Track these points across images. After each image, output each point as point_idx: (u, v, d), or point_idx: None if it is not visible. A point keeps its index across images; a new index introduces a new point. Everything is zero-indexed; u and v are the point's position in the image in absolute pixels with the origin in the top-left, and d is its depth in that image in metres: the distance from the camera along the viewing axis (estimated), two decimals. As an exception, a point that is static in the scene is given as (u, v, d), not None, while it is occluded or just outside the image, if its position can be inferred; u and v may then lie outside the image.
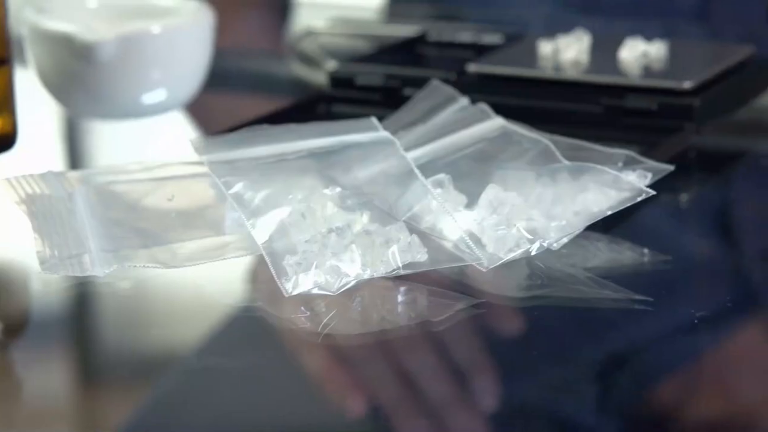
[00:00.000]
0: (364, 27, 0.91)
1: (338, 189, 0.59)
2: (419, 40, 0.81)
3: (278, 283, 0.55)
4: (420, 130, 0.66)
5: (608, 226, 0.61)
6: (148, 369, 0.53)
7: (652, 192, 0.60)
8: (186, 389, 0.52)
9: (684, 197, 0.68)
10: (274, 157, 0.62)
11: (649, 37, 0.75)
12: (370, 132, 0.64)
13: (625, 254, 0.61)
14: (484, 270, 0.57)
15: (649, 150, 0.66)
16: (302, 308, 0.55)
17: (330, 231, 0.57)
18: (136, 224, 0.59)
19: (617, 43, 0.75)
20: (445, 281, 0.58)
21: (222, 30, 0.78)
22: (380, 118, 0.66)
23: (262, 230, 0.57)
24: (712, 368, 0.53)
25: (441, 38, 0.81)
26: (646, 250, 0.61)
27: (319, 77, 0.83)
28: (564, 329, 0.55)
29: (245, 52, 0.93)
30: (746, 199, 0.68)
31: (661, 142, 0.68)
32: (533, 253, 0.58)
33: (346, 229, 0.57)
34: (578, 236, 0.59)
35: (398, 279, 0.57)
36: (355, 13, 0.97)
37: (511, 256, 0.58)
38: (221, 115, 0.82)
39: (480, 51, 0.78)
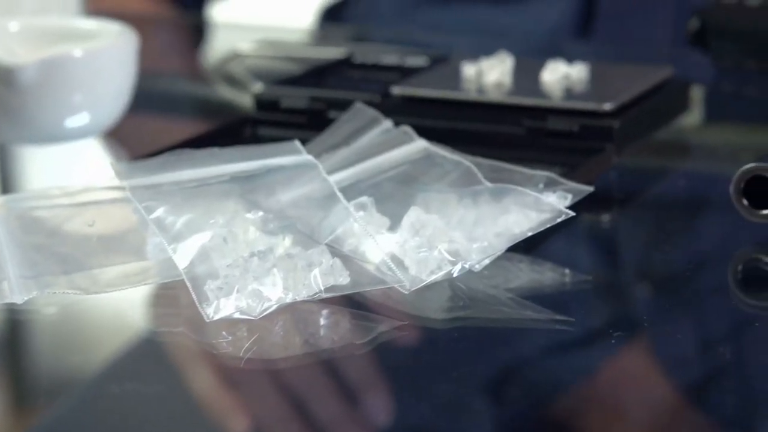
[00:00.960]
0: (291, 49, 0.91)
1: (260, 213, 0.59)
2: (345, 62, 0.82)
3: (199, 308, 0.55)
4: (343, 152, 0.67)
5: (530, 247, 0.61)
6: (70, 394, 0.53)
7: (572, 213, 0.61)
8: (99, 414, 0.51)
9: (605, 218, 0.68)
10: (197, 181, 0.62)
11: (570, 59, 0.76)
12: (293, 155, 0.64)
13: (546, 275, 0.61)
14: (406, 292, 0.57)
15: (570, 171, 0.66)
16: (224, 333, 0.55)
17: (252, 255, 0.57)
18: (56, 250, 0.59)
19: (539, 65, 0.76)
20: (368, 304, 0.58)
21: (142, 52, 0.78)
22: (305, 141, 0.67)
23: (183, 255, 0.57)
24: (632, 387, 0.54)
25: (366, 60, 0.81)
26: (567, 271, 0.62)
27: (245, 100, 0.83)
28: (485, 350, 0.56)
29: (170, 74, 0.93)
30: (666, 220, 0.69)
31: (582, 163, 0.68)
32: (455, 275, 0.58)
33: (268, 252, 0.57)
34: (500, 257, 0.59)
35: (321, 302, 0.57)
36: (280, 35, 0.97)
37: (433, 278, 0.58)
38: (146, 139, 0.82)
39: (405, 73, 0.78)
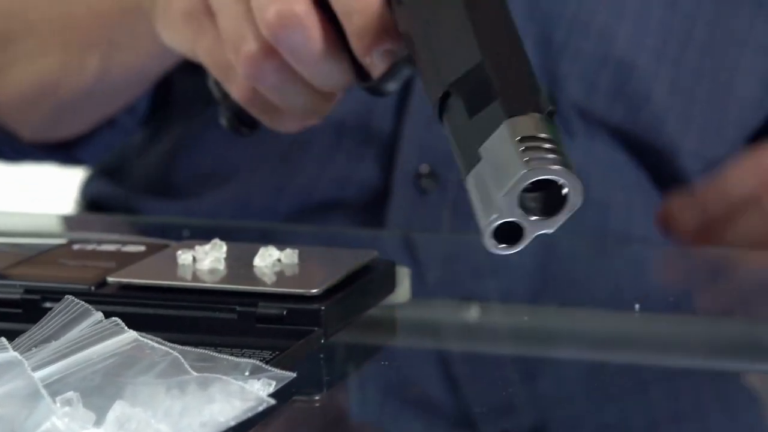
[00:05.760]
0: (10, 237, 0.91)
1: (-41, 415, 0.59)
2: (63, 250, 0.82)
3: None
4: (53, 346, 0.67)
5: (238, 434, 0.62)
6: None
7: (272, 401, 0.62)
8: None
9: (311, 400, 0.70)
10: None
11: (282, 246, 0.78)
12: (-2, 352, 0.64)
13: (254, 461, 0.63)
14: (107, 487, 0.58)
15: (278, 356, 0.68)
16: None
17: (-51, 460, 0.56)
18: None
19: (253, 251, 0.78)
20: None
21: None
22: (20, 333, 0.67)
23: None
24: None
25: (84, 248, 0.82)
26: (275, 455, 0.63)
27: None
28: None
29: None
30: (374, 399, 0.72)
31: (291, 347, 0.70)
32: (159, 468, 0.59)
33: (-34, 456, 0.57)
34: (207, 446, 0.60)
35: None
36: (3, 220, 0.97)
37: (136, 472, 0.59)
38: None
39: (122, 261, 0.79)
